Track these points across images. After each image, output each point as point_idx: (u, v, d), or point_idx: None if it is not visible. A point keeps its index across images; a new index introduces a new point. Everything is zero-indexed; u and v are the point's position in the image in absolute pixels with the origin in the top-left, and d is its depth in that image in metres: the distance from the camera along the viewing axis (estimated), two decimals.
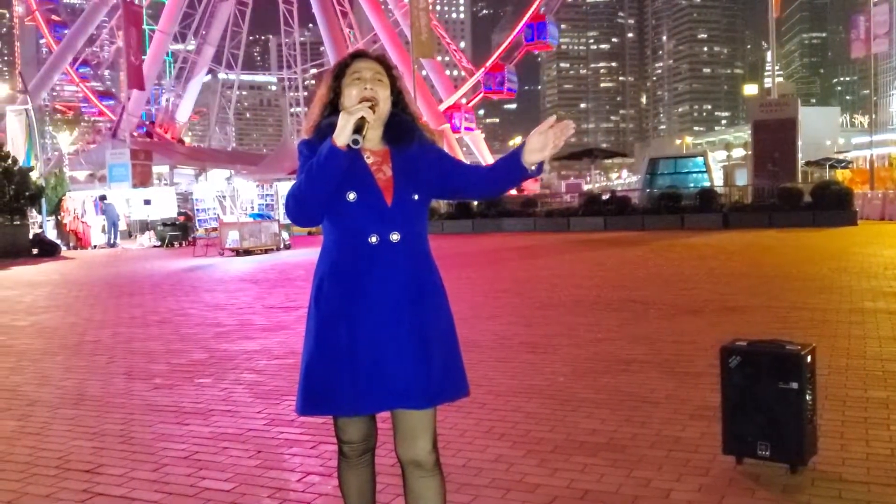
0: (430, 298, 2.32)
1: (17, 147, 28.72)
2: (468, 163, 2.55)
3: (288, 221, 26.08)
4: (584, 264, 14.18)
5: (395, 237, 2.25)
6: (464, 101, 61.81)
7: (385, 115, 2.34)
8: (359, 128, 2.17)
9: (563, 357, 6.02)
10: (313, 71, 75.14)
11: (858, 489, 3.24)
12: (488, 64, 60.20)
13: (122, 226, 29.55)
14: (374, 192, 2.26)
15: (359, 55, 2.40)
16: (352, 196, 2.23)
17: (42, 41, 66.67)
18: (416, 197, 2.30)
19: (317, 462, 3.82)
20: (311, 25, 68.81)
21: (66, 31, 61.56)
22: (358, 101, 2.25)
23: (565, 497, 3.26)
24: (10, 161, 24.40)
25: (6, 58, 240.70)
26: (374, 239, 2.24)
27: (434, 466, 2.28)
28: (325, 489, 3.44)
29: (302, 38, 78.07)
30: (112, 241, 28.14)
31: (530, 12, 58.56)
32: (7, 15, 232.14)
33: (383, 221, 2.25)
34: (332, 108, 2.36)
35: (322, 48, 70.73)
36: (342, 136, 2.15)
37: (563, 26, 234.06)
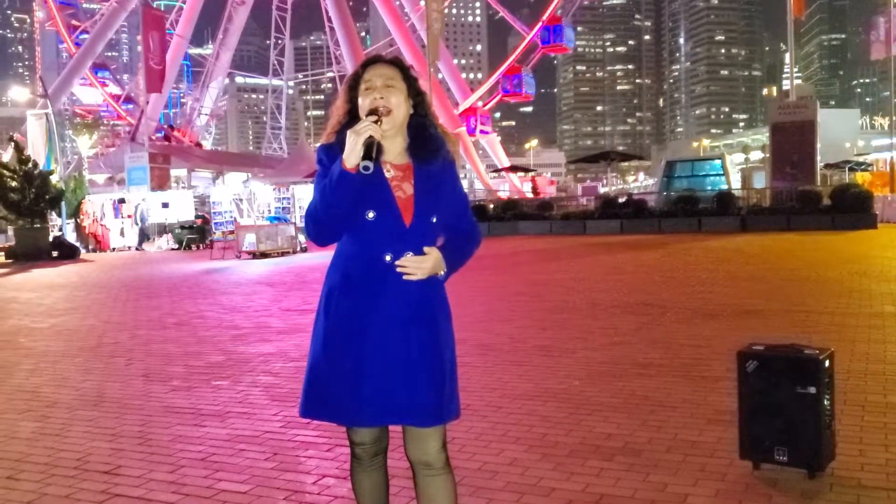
0: (440, 318, 2.32)
1: (37, 151, 29.07)
2: (469, 206, 2.50)
3: (304, 224, 26.21)
4: (600, 267, 14.13)
5: (409, 256, 2.24)
6: (480, 104, 61.75)
7: (401, 120, 2.29)
8: (369, 148, 2.13)
9: (578, 360, 6.01)
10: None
11: (877, 495, 3.21)
12: (503, 67, 59.97)
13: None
14: (394, 212, 2.23)
15: (371, 62, 2.34)
16: (371, 215, 2.22)
17: (62, 45, 67.05)
18: (435, 220, 2.28)
19: (332, 465, 3.83)
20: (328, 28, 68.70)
21: (85, 36, 62.22)
22: (366, 113, 2.22)
23: (581, 501, 3.25)
24: (30, 164, 24.66)
25: (27, 62, 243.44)
26: (388, 257, 2.23)
27: (444, 465, 2.29)
28: (340, 491, 3.45)
29: (318, 42, 78.17)
30: (139, 245, 28.50)
31: (547, 14, 58.33)
32: (28, 20, 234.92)
33: (400, 241, 2.23)
34: (351, 117, 2.32)
35: (338, 52, 70.80)
36: (351, 157, 2.14)
37: (579, 29, 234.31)
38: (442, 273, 2.30)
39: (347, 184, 2.15)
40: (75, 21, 63.61)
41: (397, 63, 2.34)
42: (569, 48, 62.98)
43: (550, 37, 57.15)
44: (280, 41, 75.19)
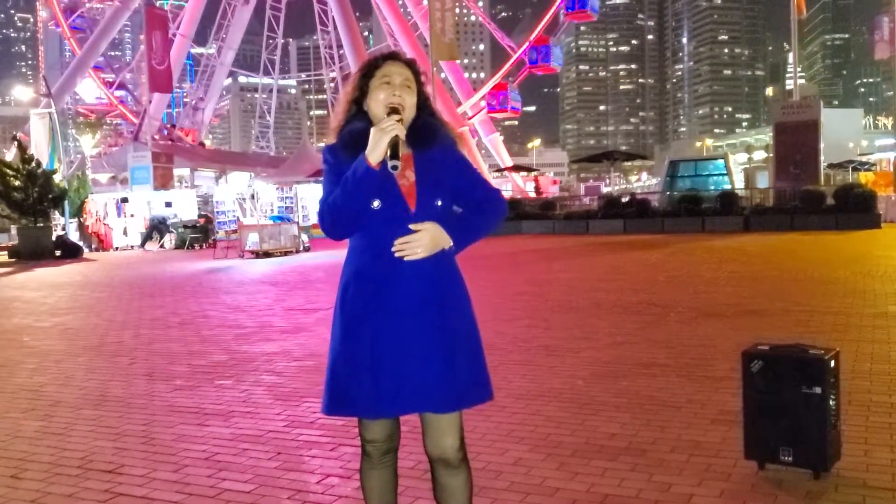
0: (455, 303, 2.34)
1: (40, 150, 29.09)
2: (482, 177, 2.49)
3: (307, 224, 26.25)
4: (603, 267, 14.12)
5: (403, 238, 2.26)
6: (483, 102, 61.79)
7: (408, 122, 2.34)
8: (395, 147, 2.18)
9: (582, 360, 6.00)
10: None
11: (883, 495, 3.20)
12: (488, 85, 60.32)
13: (141, 227, 29.83)
14: (398, 199, 2.27)
15: (390, 57, 2.41)
16: (376, 204, 2.25)
17: (58, 29, 66.64)
18: (440, 203, 2.31)
19: (336, 464, 3.83)
20: (329, 29, 68.61)
21: (82, 20, 62.39)
22: (386, 110, 2.27)
23: (585, 501, 3.24)
24: (33, 164, 24.68)
25: (30, 62, 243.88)
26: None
27: (461, 463, 2.32)
28: (344, 491, 3.44)
29: (322, 42, 78.20)
30: (143, 244, 28.52)
31: (534, 35, 58.52)
32: (31, 19, 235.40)
33: (406, 227, 2.26)
34: (357, 106, 2.39)
35: (330, 52, 70.91)
36: (375, 153, 2.19)
37: (582, 28, 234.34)
38: (449, 246, 2.30)
39: (372, 179, 2.20)
40: (78, 20, 63.66)
41: (413, 66, 2.41)
42: (556, 68, 63.38)
43: (538, 57, 57.47)
44: (273, 40, 75.27)
